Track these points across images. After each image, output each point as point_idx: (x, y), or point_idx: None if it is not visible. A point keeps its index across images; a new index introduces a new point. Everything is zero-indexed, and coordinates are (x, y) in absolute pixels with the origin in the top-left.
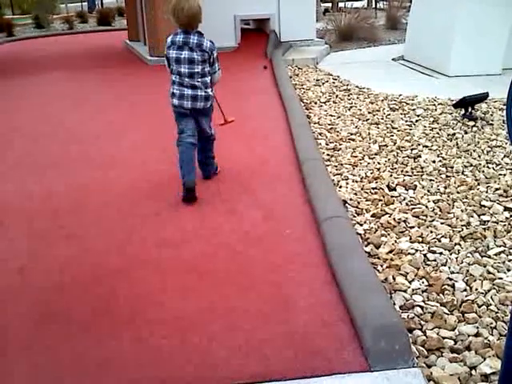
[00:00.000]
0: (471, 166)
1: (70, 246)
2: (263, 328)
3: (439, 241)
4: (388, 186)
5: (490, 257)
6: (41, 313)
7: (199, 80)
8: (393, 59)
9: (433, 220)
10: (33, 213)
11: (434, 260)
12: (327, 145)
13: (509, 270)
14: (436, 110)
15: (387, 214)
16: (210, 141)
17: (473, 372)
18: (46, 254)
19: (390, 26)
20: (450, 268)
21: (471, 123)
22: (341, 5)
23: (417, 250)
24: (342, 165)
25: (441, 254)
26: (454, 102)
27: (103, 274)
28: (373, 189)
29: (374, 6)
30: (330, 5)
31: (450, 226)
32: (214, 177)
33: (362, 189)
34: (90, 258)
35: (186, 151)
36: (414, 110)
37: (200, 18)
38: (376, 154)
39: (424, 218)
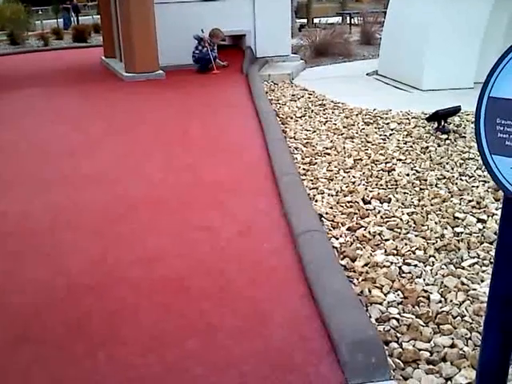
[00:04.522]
0: (444, 178)
1: (44, 266)
2: (240, 344)
3: (414, 253)
4: (363, 200)
5: (464, 268)
6: (14, 334)
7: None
8: (367, 74)
9: (407, 232)
10: (7, 233)
11: (409, 272)
12: (303, 159)
13: (482, 281)
14: (409, 123)
15: (362, 227)
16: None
17: (448, 383)
18: (20, 274)
19: (364, 42)
20: (424, 280)
21: (444, 136)
22: (316, 21)
23: (392, 263)
24: (317, 179)
25: (415, 266)
26: (427, 116)
27: (78, 293)
28: (348, 202)
29: (348, 21)
30: (305, 21)
31: (424, 238)
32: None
33: (337, 202)
34: (65, 277)
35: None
36: (387, 124)
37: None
38: (351, 168)
39: (399, 230)
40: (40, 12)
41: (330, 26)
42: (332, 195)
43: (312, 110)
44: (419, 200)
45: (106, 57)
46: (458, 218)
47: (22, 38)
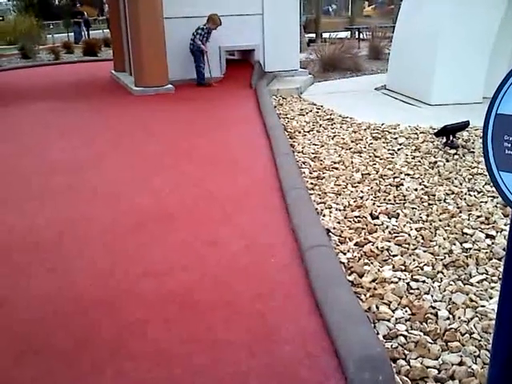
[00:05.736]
0: (453, 193)
1: (51, 279)
2: (247, 360)
3: (422, 269)
4: (371, 215)
5: (472, 284)
6: (21, 347)
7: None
8: (375, 89)
9: (415, 248)
10: (13, 246)
11: (417, 288)
12: (311, 173)
13: (491, 298)
14: (418, 138)
15: (370, 242)
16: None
17: None
18: (27, 287)
19: (372, 56)
20: (432, 296)
21: (453, 151)
22: (325, 35)
23: (400, 279)
24: (325, 193)
25: (424, 282)
26: (435, 131)
27: (85, 307)
28: (356, 217)
29: (357, 36)
30: (314, 35)
31: (432, 254)
32: None
33: (345, 217)
34: (72, 290)
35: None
36: (396, 138)
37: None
38: (359, 183)
39: (407, 246)
40: (51, 26)
41: (338, 41)
42: (340, 210)
43: (320, 125)
44: (427, 215)
45: (115, 71)
46: (466, 234)
47: (34, 52)
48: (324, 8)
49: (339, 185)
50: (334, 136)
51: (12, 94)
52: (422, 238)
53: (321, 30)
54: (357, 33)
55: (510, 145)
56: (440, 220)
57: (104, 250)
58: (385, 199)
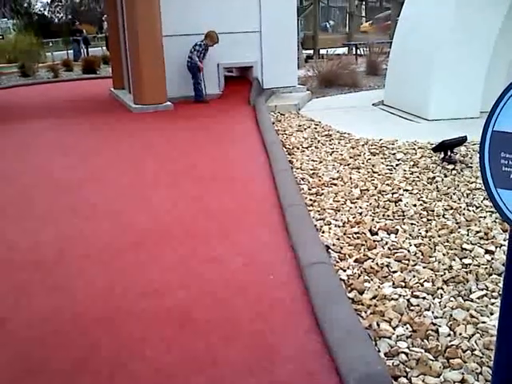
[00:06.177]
0: (452, 209)
1: (52, 297)
2: (248, 379)
3: (422, 285)
4: (370, 231)
5: (472, 300)
6: (21, 367)
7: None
8: (373, 104)
9: (415, 264)
10: (15, 264)
11: (418, 305)
12: (310, 190)
13: (492, 314)
14: (416, 153)
15: (370, 258)
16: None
17: None
18: (28, 305)
19: (370, 72)
20: (433, 313)
21: (451, 166)
22: (322, 52)
23: (400, 295)
24: (324, 210)
25: (424, 298)
26: (433, 146)
27: (85, 326)
28: (355, 233)
29: (354, 52)
30: (311, 52)
31: (432, 269)
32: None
33: (344, 234)
34: (72, 309)
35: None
36: (394, 154)
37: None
38: (358, 199)
39: (406, 262)
40: (50, 44)
41: (336, 57)
42: (339, 226)
43: (318, 141)
44: (426, 231)
45: (115, 88)
46: (465, 250)
47: (33, 70)
48: (322, 24)
49: (338, 201)
50: (333, 152)
51: (11, 112)
52: (422, 254)
53: (318, 47)
54: (354, 49)
55: (506, 162)
56: (439, 236)
57: (103, 268)
58: (384, 215)
